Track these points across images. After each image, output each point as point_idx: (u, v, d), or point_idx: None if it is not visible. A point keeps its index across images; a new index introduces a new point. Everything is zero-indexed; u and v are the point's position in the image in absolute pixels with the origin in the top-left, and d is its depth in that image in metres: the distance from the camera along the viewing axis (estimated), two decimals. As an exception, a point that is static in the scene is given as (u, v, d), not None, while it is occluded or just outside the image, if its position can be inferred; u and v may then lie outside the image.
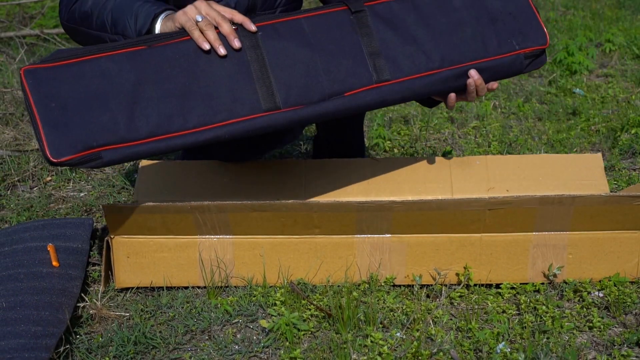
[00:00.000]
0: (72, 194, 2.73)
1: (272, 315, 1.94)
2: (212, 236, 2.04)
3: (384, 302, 1.99)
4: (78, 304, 1.95)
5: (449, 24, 1.96)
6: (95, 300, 1.99)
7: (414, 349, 1.76)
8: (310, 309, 1.96)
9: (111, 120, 1.71)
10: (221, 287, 2.07)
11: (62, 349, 1.79)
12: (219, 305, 1.99)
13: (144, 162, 2.31)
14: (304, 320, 1.91)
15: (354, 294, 1.99)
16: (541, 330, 1.86)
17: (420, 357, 1.75)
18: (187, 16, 1.80)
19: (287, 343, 1.84)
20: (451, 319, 1.94)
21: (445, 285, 2.05)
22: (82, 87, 1.71)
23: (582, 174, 2.24)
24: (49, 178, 2.83)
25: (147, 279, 2.06)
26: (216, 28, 1.79)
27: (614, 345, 1.81)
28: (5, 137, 3.15)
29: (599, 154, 2.30)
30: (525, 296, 2.00)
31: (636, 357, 1.76)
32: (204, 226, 2.01)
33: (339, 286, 2.03)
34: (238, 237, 2.04)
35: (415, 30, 1.93)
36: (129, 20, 1.89)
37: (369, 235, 2.03)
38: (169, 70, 1.77)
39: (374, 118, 3.33)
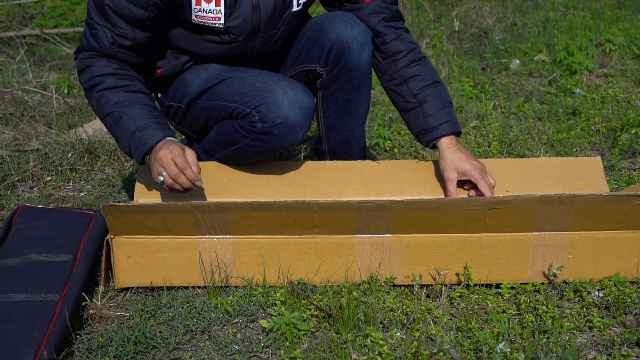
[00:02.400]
0: (72, 193, 2.74)
1: (272, 315, 1.94)
2: (212, 236, 2.04)
3: (384, 302, 1.99)
4: (78, 304, 1.95)
5: None
6: (95, 300, 1.99)
7: (414, 349, 1.76)
8: (310, 309, 1.96)
9: None
10: (221, 287, 2.07)
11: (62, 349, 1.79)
12: (219, 305, 1.99)
13: (143, 165, 2.31)
14: (304, 320, 1.91)
15: (354, 294, 1.99)
16: (541, 330, 1.86)
17: (420, 357, 1.75)
18: (154, 175, 2.05)
19: (287, 343, 1.84)
20: (451, 319, 1.94)
21: (445, 285, 2.05)
22: None
23: (581, 176, 2.24)
24: (49, 178, 2.83)
25: (147, 279, 2.06)
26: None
27: (614, 345, 1.81)
28: (5, 137, 3.15)
29: (599, 158, 2.30)
30: (525, 296, 2.00)
31: (636, 357, 1.76)
32: (204, 226, 2.01)
33: (339, 286, 2.03)
34: (238, 237, 2.04)
35: None
36: (124, 144, 2.12)
37: (369, 235, 2.03)
38: None
39: (374, 118, 3.33)
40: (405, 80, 2.29)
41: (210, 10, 2.13)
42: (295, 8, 2.23)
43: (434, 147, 2.26)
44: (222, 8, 2.13)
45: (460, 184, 2.19)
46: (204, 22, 2.16)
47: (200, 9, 2.13)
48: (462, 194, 2.21)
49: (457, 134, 2.27)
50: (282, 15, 2.22)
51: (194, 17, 2.15)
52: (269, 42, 2.27)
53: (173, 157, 1.99)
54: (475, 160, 2.19)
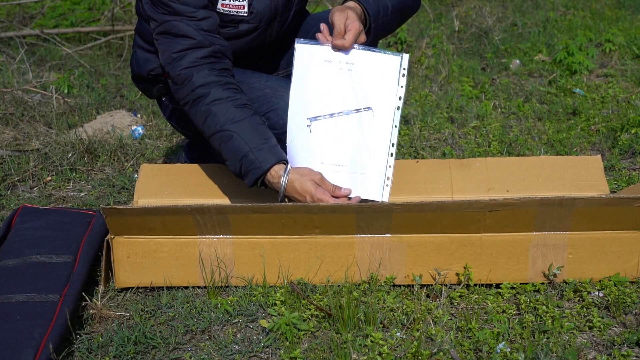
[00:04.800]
0: (72, 194, 2.74)
1: (272, 315, 1.94)
2: (212, 236, 2.04)
3: (384, 302, 1.99)
4: (78, 304, 1.95)
5: None
6: (95, 300, 1.99)
7: (414, 349, 1.76)
8: (310, 309, 1.96)
9: None
10: (221, 287, 2.07)
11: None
12: (219, 305, 1.99)
13: (144, 164, 2.31)
14: (304, 320, 1.91)
15: (354, 293, 1.99)
16: (541, 330, 1.86)
17: (420, 357, 1.75)
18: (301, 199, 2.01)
19: (287, 343, 1.84)
20: (451, 319, 1.94)
21: (445, 285, 2.04)
22: None
23: (581, 175, 2.24)
24: (49, 178, 2.83)
25: (147, 279, 2.06)
26: None
27: (614, 345, 1.81)
28: (5, 137, 3.15)
29: (599, 156, 2.29)
30: (525, 296, 2.00)
31: (636, 357, 1.76)
32: (204, 226, 2.01)
33: (339, 286, 2.03)
34: (238, 237, 2.04)
35: None
36: (234, 165, 2.04)
37: (369, 235, 2.03)
38: None
39: (374, 118, 3.32)
40: None
41: None
42: None
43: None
44: None
45: None
46: (229, 11, 2.17)
47: None
48: (462, 194, 2.21)
49: (363, 7, 2.09)
50: None
51: (219, 6, 2.16)
52: (284, 25, 2.29)
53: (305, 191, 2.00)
54: (356, 21, 2.04)
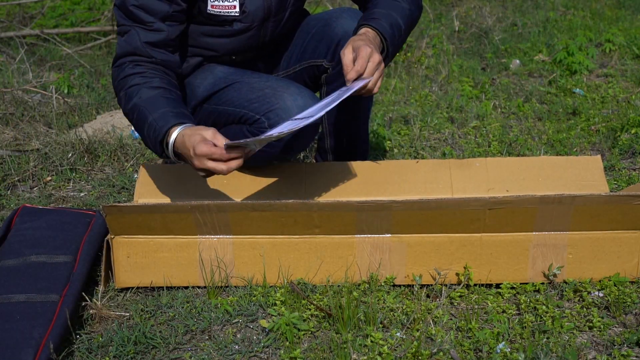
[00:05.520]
0: (72, 194, 2.74)
1: (272, 315, 1.94)
2: (212, 236, 2.04)
3: (384, 302, 1.99)
4: (78, 304, 1.95)
5: None
6: (95, 300, 1.99)
7: (414, 349, 1.76)
8: (310, 309, 1.96)
9: None
10: (221, 287, 2.07)
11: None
12: (219, 305, 1.99)
13: (144, 164, 2.32)
14: (304, 320, 1.91)
15: (354, 294, 1.99)
16: (541, 330, 1.86)
17: (420, 357, 1.75)
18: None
19: (287, 343, 1.84)
20: (451, 319, 1.94)
21: (445, 285, 2.04)
22: None
23: (581, 175, 2.24)
24: (49, 178, 2.83)
25: (147, 279, 2.06)
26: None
27: (614, 345, 1.81)
28: (5, 137, 3.15)
29: (599, 157, 2.29)
30: (525, 296, 2.00)
31: (636, 357, 1.76)
32: (204, 226, 2.01)
33: (339, 286, 2.03)
34: (238, 237, 2.04)
35: None
36: (145, 139, 2.03)
37: (369, 235, 2.03)
38: None
39: (374, 118, 3.33)
40: None
41: None
42: None
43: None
44: None
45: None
46: (220, 12, 2.16)
47: None
48: (462, 194, 2.21)
49: (381, 35, 2.07)
50: None
51: (209, 7, 2.15)
52: (278, 25, 2.27)
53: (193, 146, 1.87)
54: (376, 51, 1.98)
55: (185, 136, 1.91)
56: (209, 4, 2.15)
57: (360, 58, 1.93)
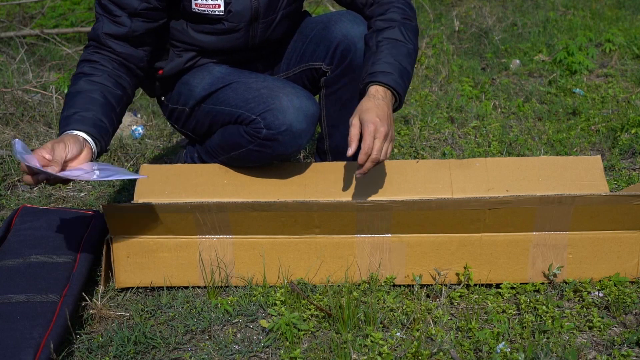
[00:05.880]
0: (72, 194, 2.74)
1: (272, 315, 1.94)
2: (212, 236, 2.04)
3: (384, 302, 1.99)
4: (78, 304, 1.95)
5: None
6: (95, 300, 1.99)
7: (414, 349, 1.76)
8: (310, 309, 1.96)
9: None
10: (221, 287, 2.07)
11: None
12: (219, 305, 1.99)
13: (144, 165, 2.32)
14: (304, 320, 1.91)
15: (354, 293, 1.99)
16: (541, 330, 1.86)
17: (420, 357, 1.75)
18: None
19: (287, 343, 1.84)
20: (451, 319, 1.94)
21: (445, 285, 2.04)
22: None
23: (581, 175, 2.24)
24: (49, 178, 2.83)
25: (147, 279, 2.06)
26: None
27: (614, 345, 1.81)
28: (5, 137, 3.15)
29: (599, 157, 2.29)
30: (525, 296, 2.00)
31: (636, 357, 1.76)
32: (204, 226, 2.01)
33: (339, 286, 2.03)
34: (238, 237, 2.04)
35: None
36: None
37: (369, 235, 2.03)
38: None
39: (374, 118, 3.32)
40: (377, 28, 2.20)
41: None
42: None
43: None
44: None
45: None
46: (204, 11, 2.16)
47: None
48: (462, 194, 2.21)
49: (393, 91, 2.09)
50: None
51: (193, 6, 2.15)
52: (269, 28, 2.27)
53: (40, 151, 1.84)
54: (386, 120, 2.00)
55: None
56: (193, 2, 2.15)
57: (367, 136, 1.96)
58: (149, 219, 1.98)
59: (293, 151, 2.19)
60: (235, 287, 2.08)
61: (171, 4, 2.16)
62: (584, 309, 1.95)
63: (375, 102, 2.03)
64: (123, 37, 2.12)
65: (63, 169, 1.83)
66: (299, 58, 2.36)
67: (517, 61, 4.18)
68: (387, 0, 2.24)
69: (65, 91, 3.79)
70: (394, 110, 2.11)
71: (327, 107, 2.35)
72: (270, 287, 2.07)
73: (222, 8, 2.15)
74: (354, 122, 2.00)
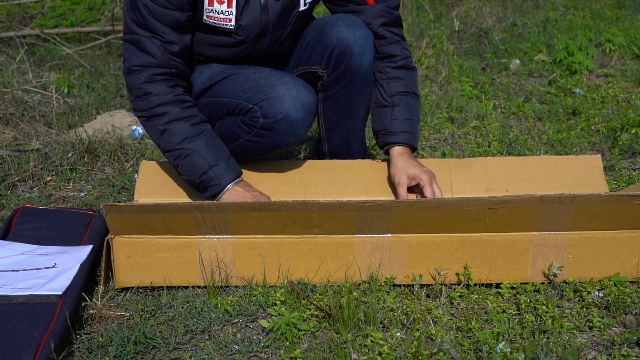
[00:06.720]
0: (72, 194, 2.74)
1: (272, 315, 1.94)
2: (212, 236, 2.04)
3: (384, 302, 1.99)
4: (78, 304, 1.95)
5: None
6: (95, 300, 1.99)
7: (414, 349, 1.76)
8: (310, 309, 1.96)
9: None
10: (221, 287, 2.07)
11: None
12: (219, 305, 1.99)
13: (144, 162, 2.32)
14: (304, 320, 1.91)
15: (354, 293, 1.99)
16: (541, 330, 1.86)
17: (420, 357, 1.75)
18: None
19: (287, 343, 1.84)
20: (451, 319, 1.94)
21: (445, 285, 2.04)
22: None
23: (581, 175, 2.24)
24: (49, 178, 2.83)
25: (147, 279, 2.06)
26: None
27: (614, 345, 1.81)
28: (5, 137, 3.15)
29: (599, 156, 2.29)
30: (525, 296, 2.00)
31: (636, 357, 1.76)
32: (204, 226, 2.01)
33: (339, 286, 2.03)
34: (238, 237, 2.04)
35: None
36: (192, 180, 2.15)
37: (369, 235, 2.03)
38: None
39: (374, 118, 3.33)
40: (389, 77, 2.31)
41: (222, 11, 2.14)
42: (302, 7, 2.24)
43: (387, 152, 2.31)
44: (233, 9, 2.14)
45: (410, 190, 2.23)
46: (215, 23, 2.16)
47: (212, 9, 2.14)
48: (462, 194, 2.21)
49: (413, 148, 2.31)
50: (290, 15, 2.23)
51: (204, 18, 2.16)
52: (276, 42, 2.28)
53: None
54: (425, 167, 2.23)
55: (240, 192, 2.13)
56: (205, 14, 2.16)
57: (427, 186, 2.18)
58: (149, 218, 1.98)
59: (291, 142, 2.19)
60: (235, 287, 2.08)
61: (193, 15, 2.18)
62: (584, 309, 1.95)
63: (410, 162, 2.24)
64: (178, 53, 2.13)
65: None
66: (296, 62, 2.36)
67: (517, 61, 4.18)
68: (389, 35, 2.32)
69: (66, 91, 3.79)
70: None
71: (325, 111, 2.36)
72: (270, 287, 2.07)
73: (233, 22, 2.16)
74: (402, 180, 2.21)
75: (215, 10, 2.14)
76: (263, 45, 2.26)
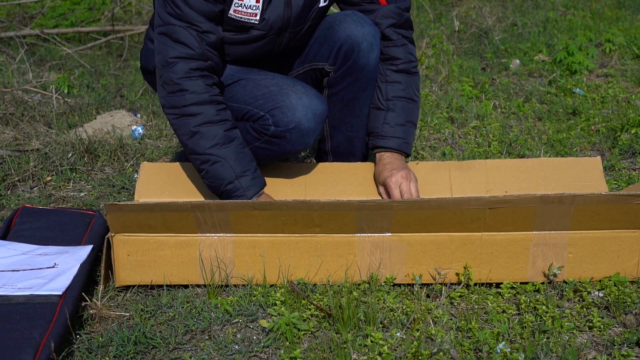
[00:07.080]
0: (72, 194, 2.74)
1: (272, 315, 1.94)
2: (213, 234, 2.04)
3: (384, 302, 1.99)
4: (78, 304, 1.95)
5: None
6: (95, 300, 1.99)
7: (414, 349, 1.76)
8: (310, 309, 1.96)
9: None
10: (221, 286, 2.06)
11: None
12: (219, 305, 1.99)
13: (144, 164, 2.32)
14: (304, 320, 1.91)
15: (354, 293, 1.99)
16: (541, 330, 1.86)
17: (420, 357, 1.75)
18: None
19: (287, 343, 1.84)
20: (451, 319, 1.94)
21: (445, 285, 2.04)
22: None
23: (581, 176, 2.24)
24: (49, 178, 2.83)
25: (148, 277, 2.06)
26: None
27: (614, 345, 1.81)
28: (5, 137, 3.15)
29: (598, 158, 2.29)
30: (525, 296, 2.00)
31: (636, 357, 1.76)
32: (204, 225, 2.01)
33: (339, 286, 2.03)
34: (238, 236, 2.04)
35: None
36: (215, 187, 2.13)
37: (369, 234, 2.03)
38: None
39: (374, 118, 3.32)
40: (388, 81, 2.32)
41: (250, 5, 2.13)
42: (322, 4, 2.25)
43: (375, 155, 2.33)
44: (260, 4, 2.14)
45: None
46: (240, 18, 2.16)
47: (241, 3, 2.13)
48: (461, 195, 2.21)
49: (405, 154, 2.32)
50: (310, 10, 2.23)
51: (231, 11, 2.15)
52: (295, 37, 2.28)
53: None
54: (403, 171, 2.23)
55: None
56: (232, 7, 2.14)
57: (401, 188, 2.21)
58: (149, 217, 1.98)
59: (300, 150, 2.19)
60: (235, 286, 2.08)
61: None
62: (584, 309, 1.95)
63: (403, 173, 2.24)
64: (214, 44, 2.12)
65: None
66: (304, 58, 2.36)
67: (517, 61, 4.18)
68: (396, 37, 2.32)
69: (66, 91, 3.79)
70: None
71: (330, 108, 2.35)
72: (270, 286, 2.07)
73: (258, 17, 2.16)
74: (379, 187, 2.26)
75: (245, 5, 2.13)
76: (283, 40, 2.26)
